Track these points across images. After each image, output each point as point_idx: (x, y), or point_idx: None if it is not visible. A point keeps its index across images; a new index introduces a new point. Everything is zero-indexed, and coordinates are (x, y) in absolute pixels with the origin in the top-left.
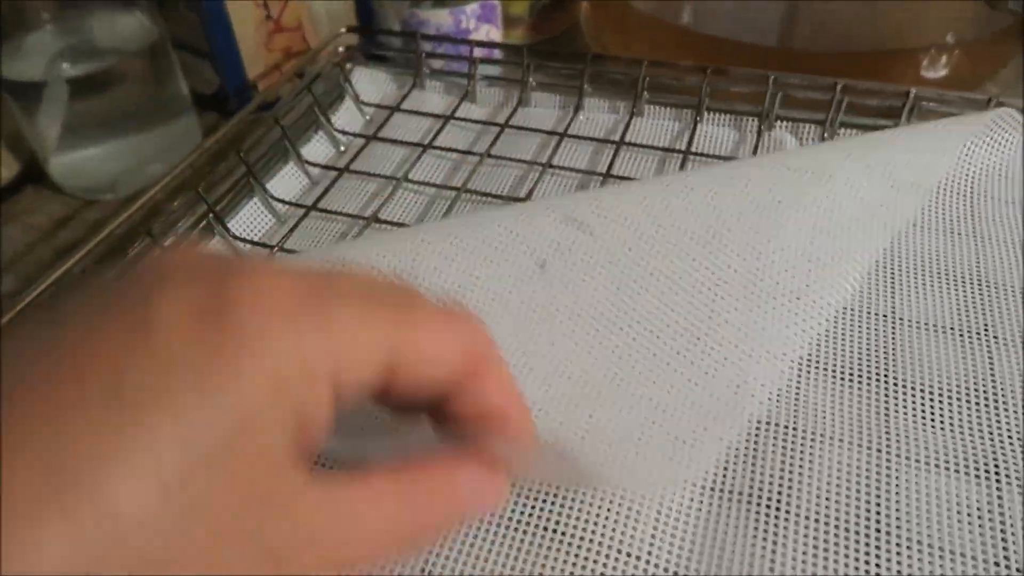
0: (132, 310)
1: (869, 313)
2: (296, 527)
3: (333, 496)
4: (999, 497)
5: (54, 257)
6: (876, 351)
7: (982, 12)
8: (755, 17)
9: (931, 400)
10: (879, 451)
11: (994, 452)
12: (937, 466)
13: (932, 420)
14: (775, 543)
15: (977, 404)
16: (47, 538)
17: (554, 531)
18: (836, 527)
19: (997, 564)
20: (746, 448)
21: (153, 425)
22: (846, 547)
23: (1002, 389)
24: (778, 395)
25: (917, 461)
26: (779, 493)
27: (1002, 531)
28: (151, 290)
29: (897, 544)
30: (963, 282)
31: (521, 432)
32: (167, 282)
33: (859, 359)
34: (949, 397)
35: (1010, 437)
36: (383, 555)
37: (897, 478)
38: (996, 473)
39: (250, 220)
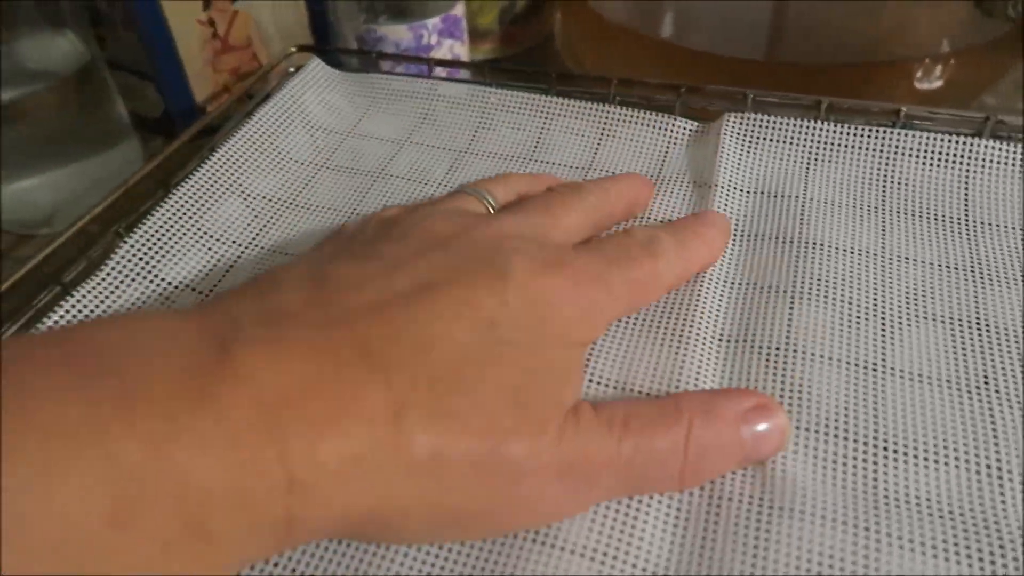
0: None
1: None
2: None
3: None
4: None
5: None
6: (870, 409)
7: (977, 20)
8: (739, 29)
9: (924, 465)
10: (866, 530)
11: (1000, 534)
12: (923, 548)
13: (920, 493)
14: None
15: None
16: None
17: None
18: None
19: None
20: (719, 523)
21: None
22: None
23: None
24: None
25: (909, 543)
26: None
27: None
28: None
29: None
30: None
31: None
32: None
33: (847, 417)
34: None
35: (1015, 510)
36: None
37: (882, 559)
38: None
39: (183, 260)
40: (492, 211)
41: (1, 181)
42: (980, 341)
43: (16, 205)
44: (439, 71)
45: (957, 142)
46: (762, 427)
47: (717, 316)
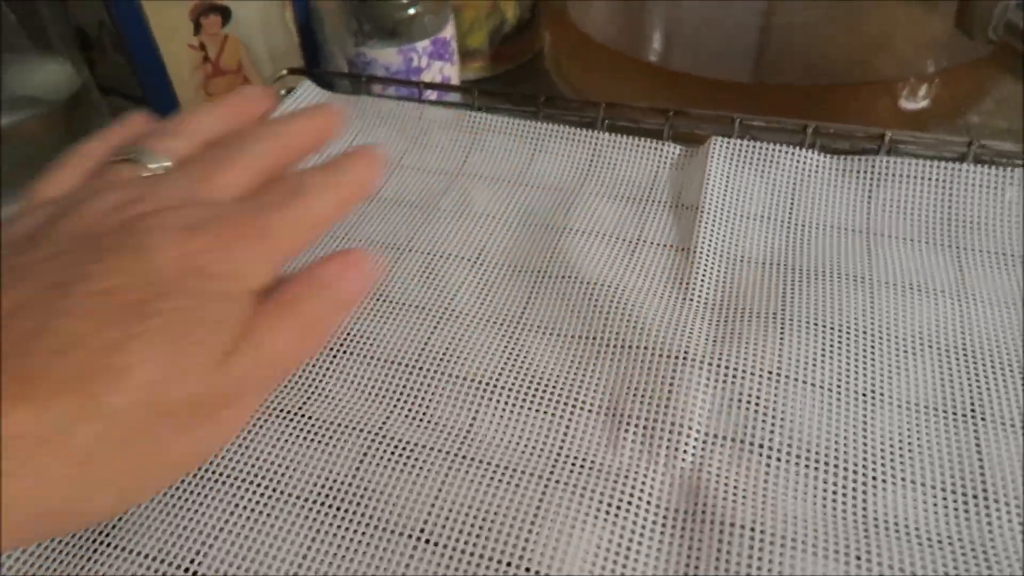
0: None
1: (854, 393)
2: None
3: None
4: None
5: None
6: (859, 436)
7: (960, 40)
8: (725, 51)
9: (912, 492)
10: (857, 559)
11: (988, 560)
12: None
13: (909, 521)
14: None
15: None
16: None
17: None
18: None
19: None
20: (708, 551)
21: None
22: None
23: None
24: (743, 491)
25: (900, 571)
26: None
27: None
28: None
29: None
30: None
31: None
32: None
33: (837, 445)
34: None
35: (1003, 536)
36: (293, 364)
37: None
38: None
39: None
40: (152, 169)
41: None
42: (967, 367)
43: None
44: (429, 93)
45: (941, 167)
46: (349, 278)
47: (707, 341)
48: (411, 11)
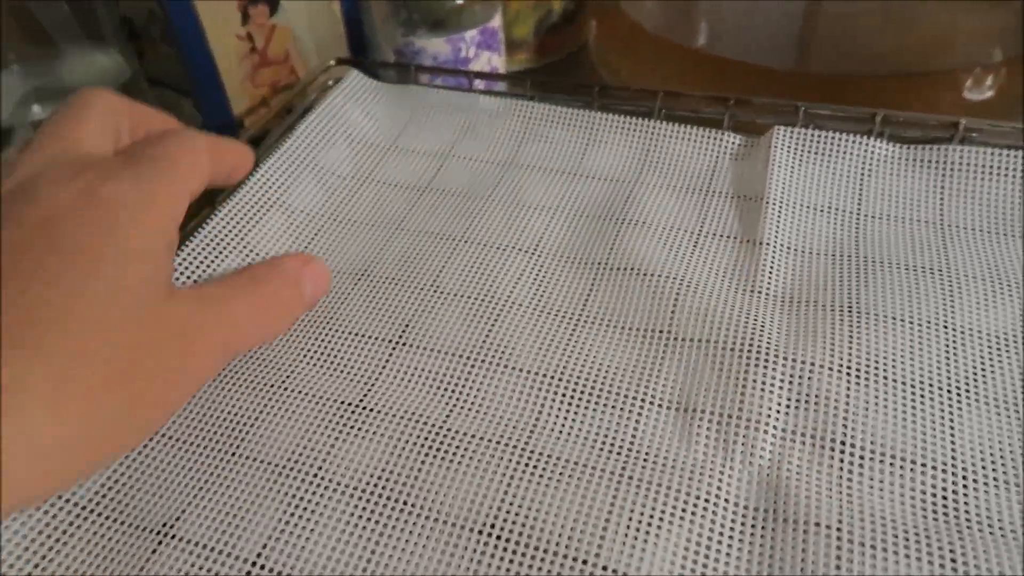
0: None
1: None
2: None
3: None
4: None
5: None
6: (947, 436)
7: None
8: (773, 38)
9: (1006, 491)
10: (952, 561)
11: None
12: None
13: (1004, 520)
14: None
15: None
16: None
17: None
18: None
19: None
20: (792, 552)
21: None
22: None
23: None
24: (827, 490)
25: (999, 571)
26: None
27: None
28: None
29: None
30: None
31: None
32: None
33: (924, 444)
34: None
35: None
36: (254, 334)
37: None
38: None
39: None
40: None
41: None
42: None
43: None
44: (478, 83)
45: (1018, 156)
46: (306, 273)
47: (778, 335)
48: (460, 0)
